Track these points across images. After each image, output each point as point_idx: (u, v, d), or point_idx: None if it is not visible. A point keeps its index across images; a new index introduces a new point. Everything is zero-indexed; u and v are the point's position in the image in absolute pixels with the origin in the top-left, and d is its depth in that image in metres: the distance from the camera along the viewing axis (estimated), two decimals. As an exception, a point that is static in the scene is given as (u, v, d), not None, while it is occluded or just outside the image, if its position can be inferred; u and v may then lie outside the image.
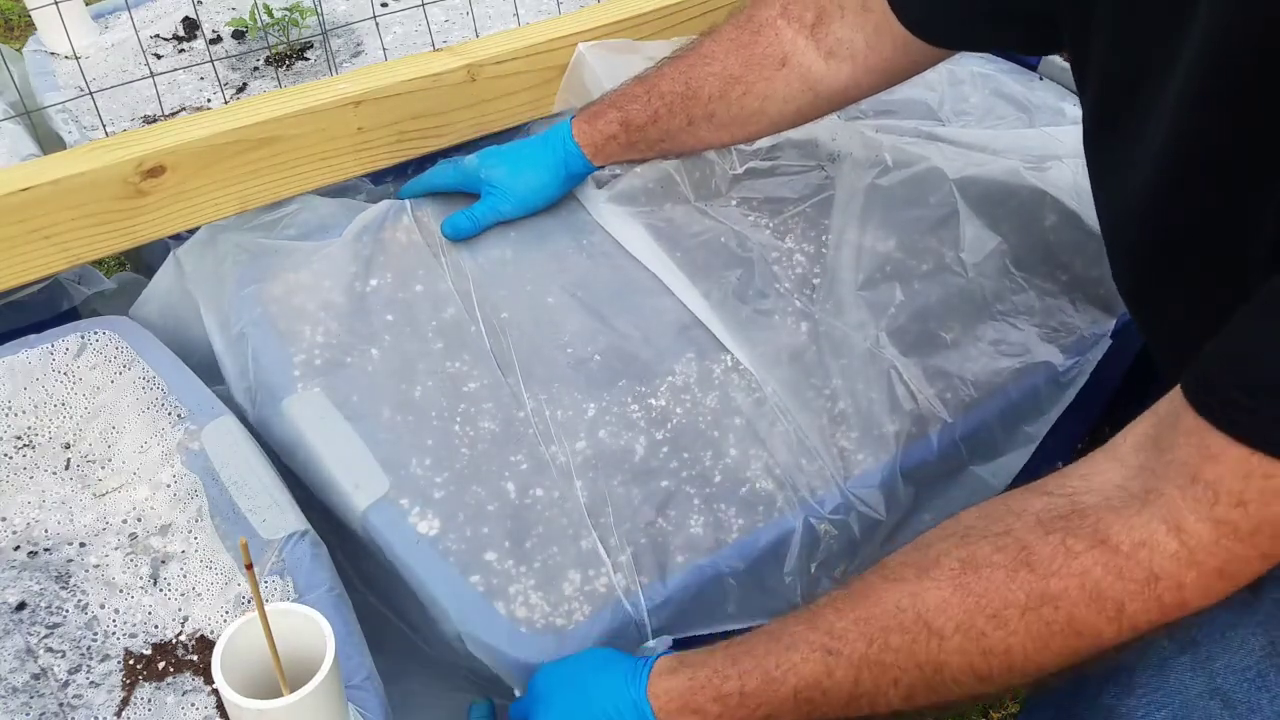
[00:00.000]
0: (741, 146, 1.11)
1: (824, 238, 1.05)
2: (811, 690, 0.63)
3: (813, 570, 0.84)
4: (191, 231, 1.00)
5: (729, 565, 0.82)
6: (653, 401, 0.92)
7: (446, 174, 1.05)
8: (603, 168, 1.04)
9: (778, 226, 1.06)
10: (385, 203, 1.04)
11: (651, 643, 0.78)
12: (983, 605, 0.59)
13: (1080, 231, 1.04)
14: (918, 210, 1.06)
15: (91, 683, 0.71)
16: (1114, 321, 1.00)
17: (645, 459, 0.88)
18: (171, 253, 1.00)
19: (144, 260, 1.23)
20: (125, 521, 0.81)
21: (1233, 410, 0.55)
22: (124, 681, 0.71)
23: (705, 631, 0.81)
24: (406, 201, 1.04)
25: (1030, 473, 0.95)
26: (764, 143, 1.11)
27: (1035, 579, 0.59)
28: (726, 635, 0.71)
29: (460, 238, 1.03)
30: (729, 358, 0.95)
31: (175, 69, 1.22)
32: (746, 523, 0.84)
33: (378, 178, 1.11)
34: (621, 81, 1.02)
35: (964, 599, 0.60)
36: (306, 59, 1.28)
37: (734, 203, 1.08)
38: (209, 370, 0.94)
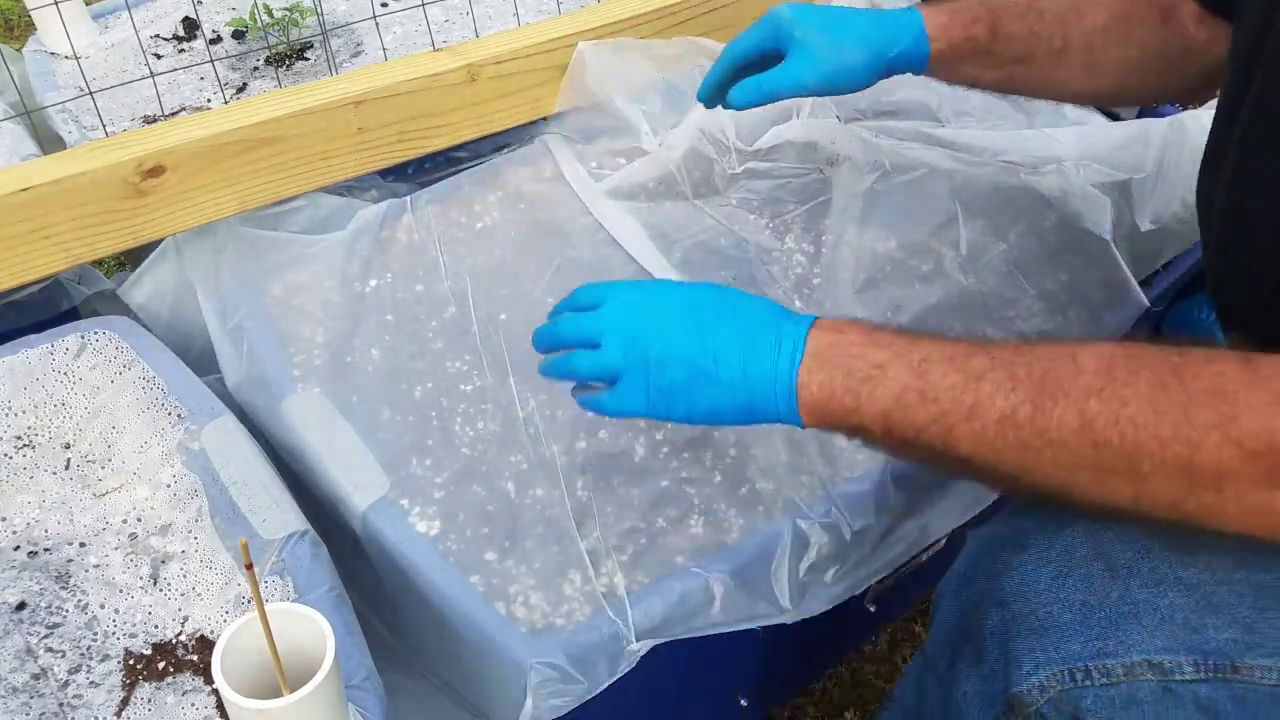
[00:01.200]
0: (741, 146, 1.11)
1: (823, 239, 1.05)
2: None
3: (801, 574, 0.84)
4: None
5: (725, 567, 0.82)
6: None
7: (753, 33, 0.92)
8: (931, 70, 0.89)
9: (776, 227, 1.06)
10: (387, 202, 1.04)
11: (635, 645, 0.78)
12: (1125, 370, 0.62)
13: (1080, 233, 1.04)
14: (916, 213, 1.06)
15: (91, 683, 0.71)
16: (1115, 326, 1.00)
17: (645, 459, 0.88)
18: (170, 238, 0.99)
19: (144, 260, 1.23)
20: (125, 521, 0.81)
21: None
22: (124, 681, 0.71)
23: (692, 635, 0.81)
24: (407, 200, 1.04)
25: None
26: (764, 141, 1.11)
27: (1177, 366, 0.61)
28: (746, 642, 0.72)
29: (747, 106, 0.90)
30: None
31: (175, 69, 1.22)
32: (745, 524, 0.84)
33: (380, 177, 1.11)
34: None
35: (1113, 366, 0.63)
36: (306, 59, 1.28)
37: (733, 202, 1.08)
38: (205, 357, 0.94)
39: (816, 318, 0.72)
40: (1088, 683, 0.66)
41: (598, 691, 0.76)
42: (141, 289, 1.00)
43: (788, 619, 0.84)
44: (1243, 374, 0.59)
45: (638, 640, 0.78)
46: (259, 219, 1.01)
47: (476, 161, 1.13)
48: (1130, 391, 0.61)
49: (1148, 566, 0.68)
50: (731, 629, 0.82)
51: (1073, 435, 0.62)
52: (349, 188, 1.07)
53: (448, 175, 1.12)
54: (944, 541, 1.13)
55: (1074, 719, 0.68)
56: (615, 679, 0.77)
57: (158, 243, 0.99)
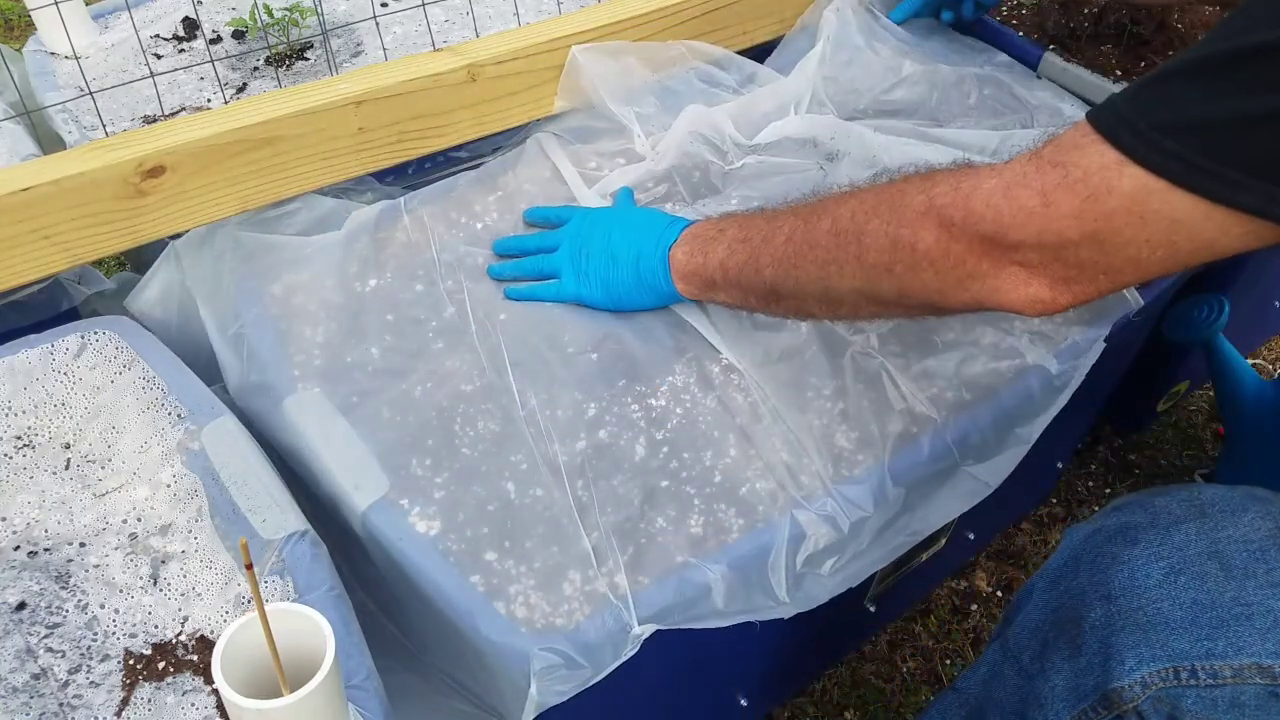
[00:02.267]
0: (741, 140, 1.11)
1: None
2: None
3: (799, 566, 0.84)
4: (191, 231, 1.00)
5: (725, 563, 0.82)
6: (652, 401, 0.92)
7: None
8: None
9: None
10: (383, 202, 1.04)
11: (638, 630, 0.78)
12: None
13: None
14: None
15: (91, 683, 0.71)
16: (1109, 326, 1.00)
17: (645, 459, 0.88)
18: (170, 244, 0.99)
19: (144, 260, 1.23)
20: (125, 521, 0.81)
21: (1119, 125, 0.64)
22: (124, 681, 0.71)
23: (693, 625, 0.81)
24: (401, 201, 1.04)
25: (1025, 473, 0.95)
26: (763, 137, 1.11)
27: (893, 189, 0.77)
28: (746, 642, 0.72)
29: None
30: (729, 357, 0.95)
31: (175, 69, 1.22)
32: (745, 522, 0.85)
33: (381, 177, 1.11)
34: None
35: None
36: (306, 59, 1.28)
37: (733, 201, 1.08)
38: (207, 364, 0.94)
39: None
40: (1192, 682, 0.66)
41: (602, 676, 0.76)
42: (147, 297, 1.00)
43: (784, 612, 0.84)
44: (957, 171, 0.73)
45: (640, 625, 0.78)
46: (256, 223, 1.01)
47: (478, 161, 1.13)
48: (870, 194, 0.76)
49: (1264, 569, 0.68)
50: (732, 620, 0.82)
51: (825, 235, 0.78)
52: (345, 190, 1.07)
53: (446, 175, 1.12)
54: (944, 541, 1.13)
55: (1171, 718, 0.67)
56: (619, 663, 0.77)
57: (158, 243, 0.99)
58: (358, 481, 0.84)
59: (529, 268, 0.98)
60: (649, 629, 0.78)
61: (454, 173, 1.12)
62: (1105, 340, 0.99)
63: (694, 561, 0.81)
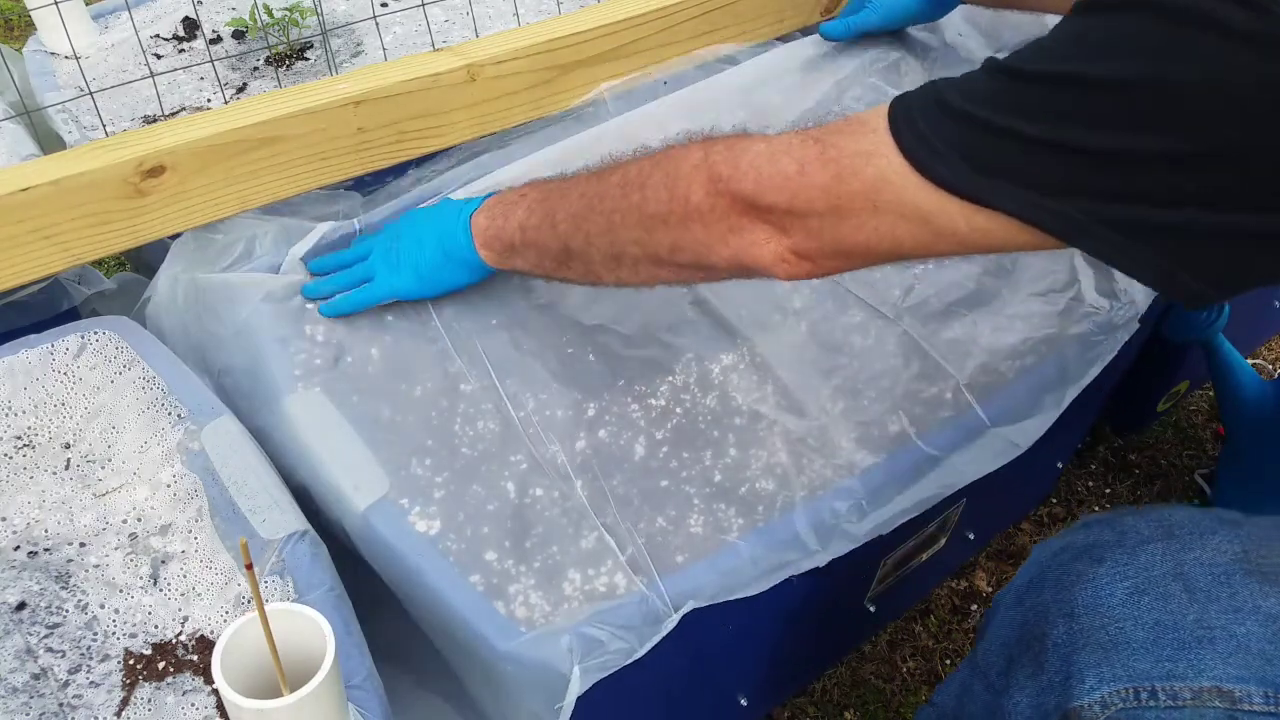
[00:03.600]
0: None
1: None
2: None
3: (826, 517, 0.85)
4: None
5: (751, 539, 0.82)
6: (653, 401, 0.92)
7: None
8: None
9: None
10: (332, 226, 1.01)
11: (675, 615, 0.78)
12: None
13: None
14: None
15: (91, 683, 0.71)
16: (1145, 306, 1.01)
17: (645, 459, 0.88)
18: (148, 301, 0.99)
19: (144, 260, 1.23)
20: (125, 521, 0.81)
21: (899, 110, 0.68)
22: (124, 681, 0.71)
23: (726, 598, 0.81)
24: (356, 223, 1.02)
25: (1025, 473, 0.95)
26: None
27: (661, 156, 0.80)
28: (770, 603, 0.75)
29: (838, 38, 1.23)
30: (730, 356, 0.95)
31: (175, 69, 1.22)
32: (745, 523, 0.85)
33: (385, 176, 1.11)
34: None
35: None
36: (306, 59, 1.28)
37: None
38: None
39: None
40: (1152, 703, 0.66)
41: (641, 654, 0.77)
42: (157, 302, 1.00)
43: (818, 560, 0.84)
44: (736, 135, 0.77)
45: (673, 606, 0.78)
46: (203, 261, 0.98)
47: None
48: (659, 153, 0.79)
49: (1227, 592, 0.67)
50: (766, 584, 0.82)
51: (614, 187, 0.80)
52: (298, 207, 1.05)
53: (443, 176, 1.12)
54: (944, 541, 1.13)
55: None
56: (658, 640, 0.77)
57: (158, 243, 0.99)
58: (358, 481, 0.84)
59: (344, 280, 0.96)
60: (688, 605, 0.78)
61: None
62: (1139, 321, 1.00)
63: (705, 563, 0.81)
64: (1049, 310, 1.00)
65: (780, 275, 0.75)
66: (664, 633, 0.77)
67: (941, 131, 0.66)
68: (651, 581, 0.79)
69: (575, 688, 0.74)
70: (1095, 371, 0.98)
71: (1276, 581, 0.68)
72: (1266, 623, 0.66)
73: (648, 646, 0.77)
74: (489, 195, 0.92)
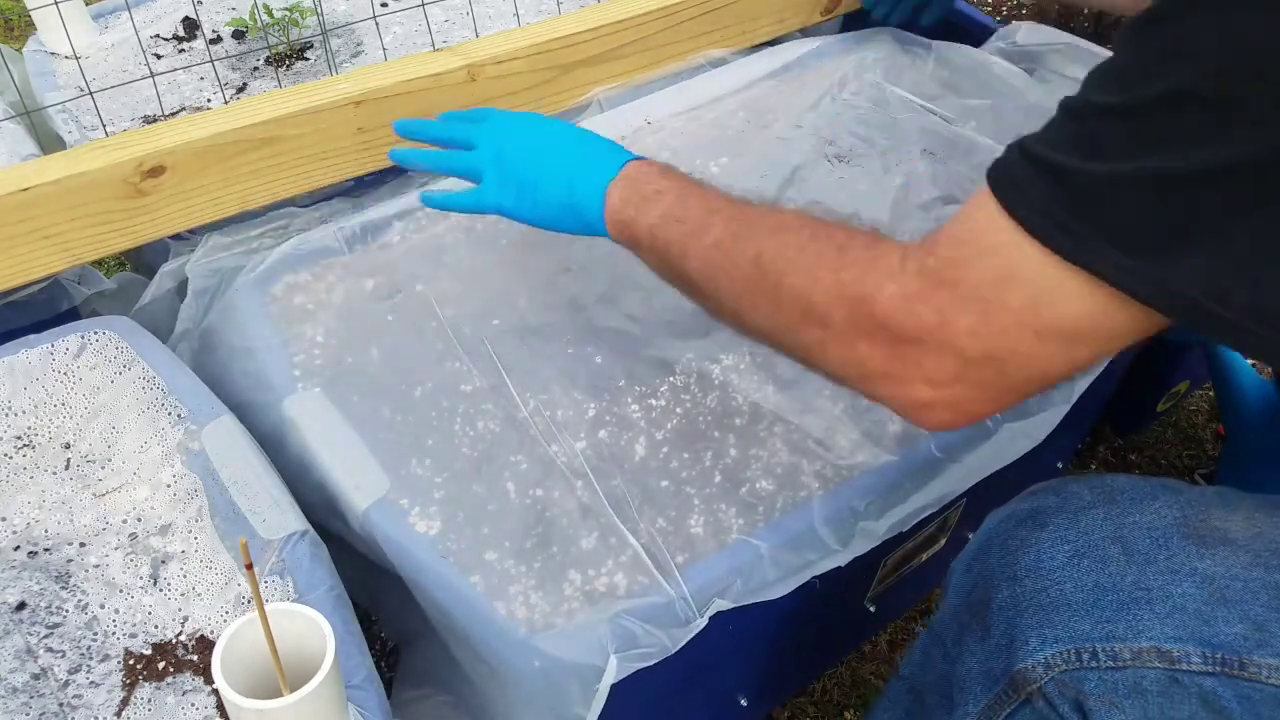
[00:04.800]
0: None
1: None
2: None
3: (844, 515, 0.85)
4: (192, 231, 1.00)
5: (769, 538, 0.82)
6: (653, 401, 0.92)
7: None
8: None
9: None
10: (378, 206, 1.03)
11: (700, 620, 0.78)
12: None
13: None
14: (929, 195, 1.06)
15: (91, 683, 0.71)
16: None
17: (645, 459, 0.88)
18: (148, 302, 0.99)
19: (144, 260, 1.23)
20: (125, 521, 0.81)
21: (1004, 173, 0.61)
22: (124, 681, 0.71)
23: (750, 601, 0.81)
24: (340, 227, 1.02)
25: (1025, 473, 0.95)
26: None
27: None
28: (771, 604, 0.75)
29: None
30: (729, 356, 0.95)
31: (175, 69, 1.22)
32: (745, 523, 0.84)
33: (387, 175, 1.11)
34: None
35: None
36: (306, 59, 1.28)
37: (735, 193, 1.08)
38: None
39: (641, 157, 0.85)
40: (1093, 664, 0.67)
41: (676, 650, 0.77)
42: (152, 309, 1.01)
43: (840, 559, 0.83)
44: (875, 245, 0.68)
45: (695, 606, 0.78)
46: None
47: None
48: (796, 240, 0.71)
49: (1165, 555, 0.68)
50: (789, 587, 0.81)
51: (748, 264, 0.73)
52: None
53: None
54: (944, 542, 1.13)
55: (1076, 702, 0.68)
56: (690, 638, 0.77)
57: (158, 243, 0.99)
58: (358, 481, 0.84)
59: (443, 163, 0.90)
60: (715, 604, 0.78)
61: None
62: None
63: (706, 563, 0.81)
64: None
65: (931, 427, 0.68)
66: (693, 633, 0.77)
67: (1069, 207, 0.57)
68: (655, 583, 0.79)
69: (610, 676, 0.74)
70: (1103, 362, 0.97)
71: (1213, 544, 0.68)
72: (1203, 584, 0.67)
73: (680, 644, 0.77)
74: (629, 159, 0.84)
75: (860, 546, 0.85)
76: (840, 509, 0.85)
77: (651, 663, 0.76)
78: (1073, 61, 1.23)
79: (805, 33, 1.33)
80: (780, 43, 1.30)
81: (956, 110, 1.19)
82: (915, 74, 1.24)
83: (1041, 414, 0.94)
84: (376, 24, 1.21)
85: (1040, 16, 1.37)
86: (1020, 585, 0.71)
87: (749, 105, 1.19)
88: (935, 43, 1.27)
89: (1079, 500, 0.74)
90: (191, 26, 1.32)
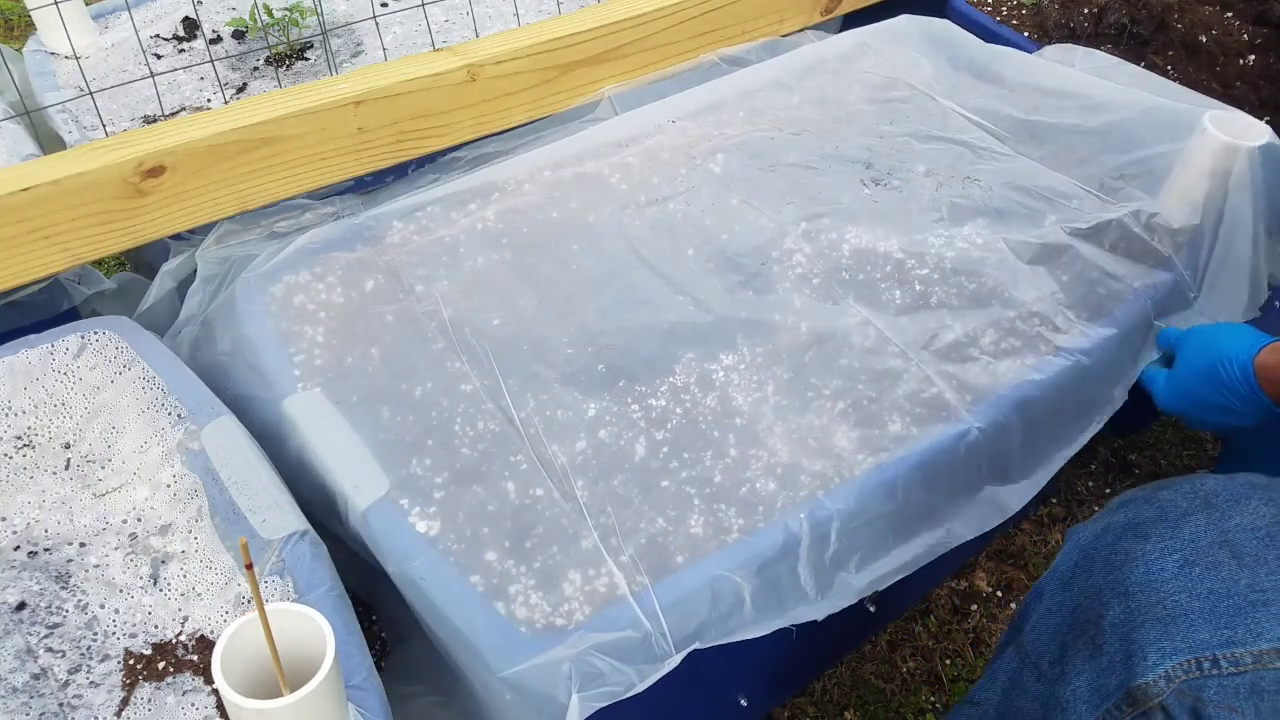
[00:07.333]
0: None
1: (830, 237, 1.05)
2: None
3: (826, 563, 0.84)
4: (192, 231, 1.00)
5: (733, 564, 0.81)
6: (653, 401, 0.92)
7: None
8: None
9: (780, 226, 1.06)
10: (379, 207, 1.03)
11: (675, 658, 0.77)
12: None
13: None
14: (924, 215, 1.06)
15: (91, 683, 0.71)
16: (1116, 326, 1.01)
17: (645, 459, 0.88)
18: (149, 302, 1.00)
19: (144, 260, 1.23)
20: (125, 521, 0.81)
21: None
22: (124, 681, 0.71)
23: (725, 641, 0.81)
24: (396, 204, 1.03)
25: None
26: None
27: None
28: (745, 643, 0.73)
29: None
30: (729, 357, 0.95)
31: (175, 69, 1.22)
32: (745, 524, 0.84)
33: (385, 175, 1.11)
34: None
35: None
36: (306, 59, 1.28)
37: (734, 200, 1.08)
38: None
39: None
40: (1214, 672, 0.67)
41: (640, 689, 0.76)
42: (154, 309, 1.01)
43: (817, 613, 0.83)
44: None
45: (675, 651, 0.77)
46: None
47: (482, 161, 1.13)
48: None
49: (1274, 554, 0.69)
50: (763, 629, 0.81)
51: None
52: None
53: (442, 178, 1.12)
54: (944, 541, 1.13)
55: (1194, 710, 0.67)
56: (658, 678, 0.77)
57: (158, 242, 0.99)
58: (358, 481, 0.84)
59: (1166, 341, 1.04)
60: (689, 647, 0.78)
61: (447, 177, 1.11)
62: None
63: (707, 564, 0.81)
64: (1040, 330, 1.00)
65: None
66: (664, 671, 0.77)
67: None
68: (648, 597, 0.79)
69: (575, 714, 0.74)
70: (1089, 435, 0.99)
71: None
72: None
73: (648, 682, 0.76)
74: (1263, 343, 0.92)
75: (838, 601, 0.85)
76: (820, 561, 0.84)
77: (617, 700, 0.75)
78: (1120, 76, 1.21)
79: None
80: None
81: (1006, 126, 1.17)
82: (958, 81, 1.21)
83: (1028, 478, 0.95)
84: (376, 24, 1.21)
85: (1040, 16, 1.37)
86: (1133, 600, 0.71)
87: (751, 107, 1.19)
88: (987, 46, 1.25)
89: (1176, 508, 0.74)
90: (191, 26, 1.32)
